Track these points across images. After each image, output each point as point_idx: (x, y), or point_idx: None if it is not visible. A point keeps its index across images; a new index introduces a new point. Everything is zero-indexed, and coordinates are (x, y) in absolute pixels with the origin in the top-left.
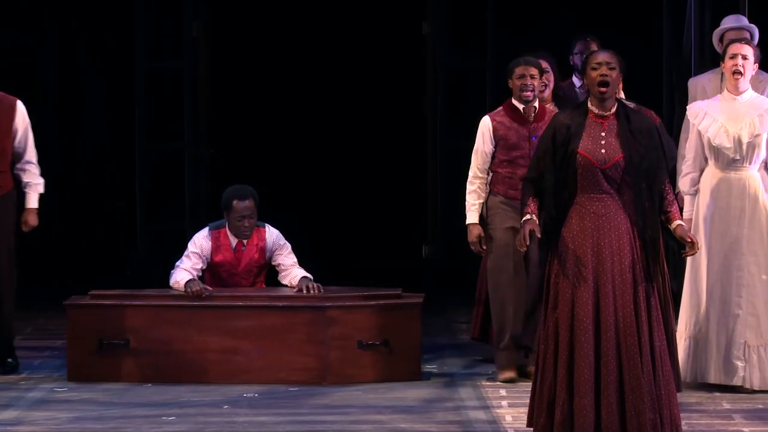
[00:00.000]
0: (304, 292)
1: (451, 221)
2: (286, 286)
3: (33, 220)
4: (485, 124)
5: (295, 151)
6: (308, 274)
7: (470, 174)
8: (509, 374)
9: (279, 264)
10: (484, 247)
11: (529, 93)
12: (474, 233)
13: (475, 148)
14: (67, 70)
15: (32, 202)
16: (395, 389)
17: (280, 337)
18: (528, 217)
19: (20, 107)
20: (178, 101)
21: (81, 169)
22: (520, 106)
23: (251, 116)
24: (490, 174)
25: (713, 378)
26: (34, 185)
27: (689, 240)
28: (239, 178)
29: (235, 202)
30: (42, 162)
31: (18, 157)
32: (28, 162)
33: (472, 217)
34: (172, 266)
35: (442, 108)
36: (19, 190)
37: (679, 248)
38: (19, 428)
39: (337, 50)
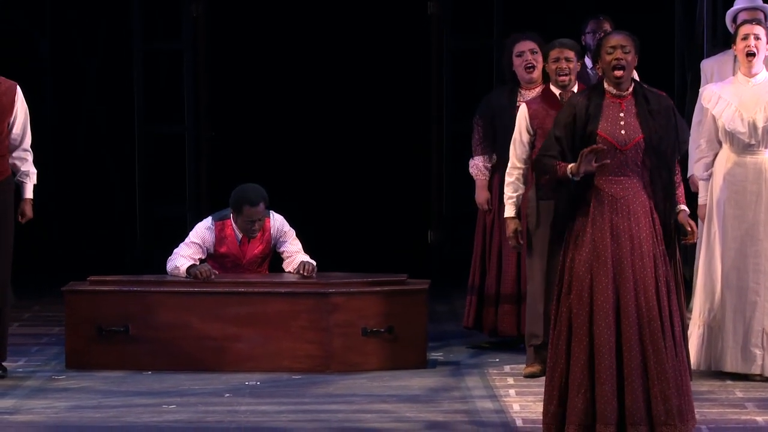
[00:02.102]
0: (301, 272)
1: (457, 206)
2: (289, 272)
3: (30, 212)
4: (522, 112)
5: (298, 134)
6: (311, 260)
7: (509, 165)
8: (532, 369)
9: (284, 251)
10: (522, 242)
11: (565, 77)
12: (511, 227)
13: (513, 137)
14: (62, 52)
15: (29, 192)
16: (400, 377)
17: (282, 324)
18: (570, 166)
19: (20, 92)
20: (178, 84)
21: (78, 154)
22: (557, 92)
23: (253, 99)
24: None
25: (729, 366)
26: (32, 175)
27: (689, 228)
28: (241, 162)
29: (246, 208)
30: (39, 147)
31: (16, 144)
32: (25, 150)
33: (509, 210)
34: (171, 251)
35: (448, 90)
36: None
37: (679, 234)
38: (17, 417)
39: (340, 31)
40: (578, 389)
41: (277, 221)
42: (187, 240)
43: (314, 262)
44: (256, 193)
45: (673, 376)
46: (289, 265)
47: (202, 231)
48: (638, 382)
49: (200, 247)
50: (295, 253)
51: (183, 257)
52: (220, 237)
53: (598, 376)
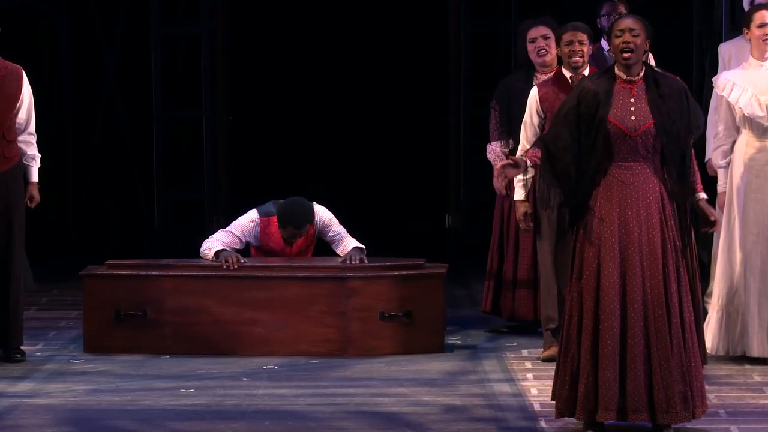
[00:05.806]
0: (347, 262)
1: (475, 190)
2: (338, 255)
3: (38, 195)
4: (533, 94)
5: (315, 118)
6: (360, 245)
7: (519, 147)
8: (550, 353)
9: (331, 239)
10: (532, 224)
11: (578, 59)
12: (521, 210)
13: (523, 120)
14: (81, 37)
15: (35, 176)
16: (418, 361)
17: (300, 308)
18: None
19: (25, 75)
20: (196, 68)
21: (97, 139)
22: (569, 75)
23: (271, 83)
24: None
25: (756, 351)
26: (37, 158)
27: (712, 218)
28: (259, 146)
29: (290, 228)
30: (58, 132)
31: (21, 128)
32: (30, 134)
33: (518, 193)
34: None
35: (466, 75)
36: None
37: (698, 223)
38: (35, 400)
39: (360, 16)
40: (582, 374)
41: (318, 213)
42: (227, 228)
43: (363, 246)
44: (304, 217)
45: (677, 364)
46: (338, 247)
47: (247, 223)
48: (641, 369)
49: (239, 238)
50: (343, 236)
51: (218, 241)
52: (266, 232)
53: (601, 362)
